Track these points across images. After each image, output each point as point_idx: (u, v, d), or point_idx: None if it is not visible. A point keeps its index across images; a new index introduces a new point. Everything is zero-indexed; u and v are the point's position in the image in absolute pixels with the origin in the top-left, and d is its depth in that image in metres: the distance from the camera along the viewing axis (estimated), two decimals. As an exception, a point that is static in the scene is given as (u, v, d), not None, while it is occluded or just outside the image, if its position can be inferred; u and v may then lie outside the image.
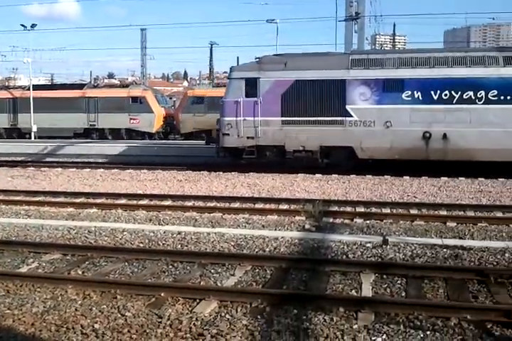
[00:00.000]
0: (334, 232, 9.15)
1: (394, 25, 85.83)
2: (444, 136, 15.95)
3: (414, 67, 16.19)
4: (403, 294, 6.18)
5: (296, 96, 16.82)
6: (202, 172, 17.31)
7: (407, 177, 15.61)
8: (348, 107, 16.52)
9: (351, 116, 16.52)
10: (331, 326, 5.17)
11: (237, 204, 11.76)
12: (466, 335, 4.96)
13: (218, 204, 11.75)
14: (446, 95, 15.90)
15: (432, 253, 7.67)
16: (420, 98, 16.07)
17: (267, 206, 11.56)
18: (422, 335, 4.95)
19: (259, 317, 5.41)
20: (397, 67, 16.32)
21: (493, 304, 5.82)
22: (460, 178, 15.39)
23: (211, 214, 10.68)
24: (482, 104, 15.72)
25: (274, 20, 25.56)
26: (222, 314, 5.51)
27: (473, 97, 15.77)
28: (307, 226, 9.57)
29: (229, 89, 17.71)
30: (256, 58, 19.02)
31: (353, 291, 6.24)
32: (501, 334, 5.05)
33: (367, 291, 6.22)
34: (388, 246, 7.92)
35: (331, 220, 10.19)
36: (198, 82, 69.12)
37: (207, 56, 58.54)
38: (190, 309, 5.65)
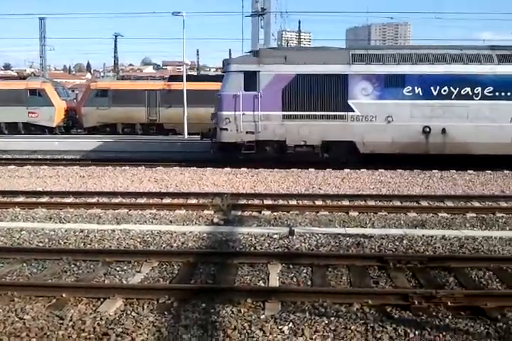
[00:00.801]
0: (242, 225, 9.20)
1: (299, 22, 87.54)
2: (443, 130, 16.39)
3: (415, 63, 16.50)
4: (309, 283, 6.34)
5: (297, 91, 16.57)
6: (106, 167, 16.74)
7: (313, 170, 16.04)
8: (349, 102, 16.56)
9: (353, 110, 16.56)
10: (239, 317, 5.18)
11: (143, 200, 11.50)
12: (367, 319, 5.16)
13: (124, 200, 11.41)
14: (445, 91, 16.34)
15: (336, 242, 7.93)
16: (420, 93, 16.41)
17: (175, 201, 11.40)
18: (326, 322, 5.09)
19: (166, 313, 5.32)
20: (398, 63, 16.55)
21: (393, 288, 6.11)
22: (362, 170, 16.04)
23: (116, 211, 10.36)
24: (479, 99, 16.29)
25: (180, 13, 25.08)
26: (128, 312, 5.36)
27: (470, 93, 16.29)
28: (215, 220, 9.55)
29: (226, 82, 17.06)
30: (249, 51, 18.64)
31: (261, 282, 6.31)
32: (400, 317, 5.31)
33: (274, 281, 6.31)
34: (294, 237, 8.10)
35: (240, 213, 10.24)
36: (102, 74, 66.85)
37: (111, 47, 56.65)
38: (93, 309, 5.44)
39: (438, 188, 13.34)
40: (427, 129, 16.40)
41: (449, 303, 5.50)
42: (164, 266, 6.85)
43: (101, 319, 5.17)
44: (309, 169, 16.14)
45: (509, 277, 6.49)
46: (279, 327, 4.97)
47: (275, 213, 10.23)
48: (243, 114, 16.58)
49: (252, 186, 13.49)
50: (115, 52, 56.05)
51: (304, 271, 6.69)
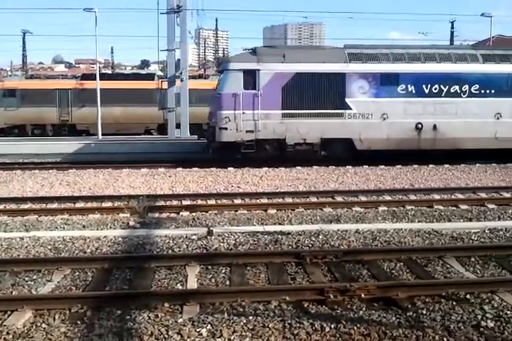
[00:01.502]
0: (160, 227, 9.03)
1: (216, 20, 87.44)
2: (434, 126, 17.10)
3: (408, 62, 17.03)
4: (227, 283, 6.31)
5: (297, 89, 16.63)
6: (14, 171, 15.88)
7: (232, 169, 16.06)
8: (347, 100, 16.84)
9: (350, 108, 16.88)
10: (156, 323, 5.06)
11: (54, 205, 11.00)
12: (285, 316, 5.21)
13: (33, 206, 10.85)
14: (435, 89, 17.02)
15: (254, 240, 7.96)
16: (413, 91, 17.02)
17: (88, 205, 11.01)
18: (244, 321, 5.08)
19: (79, 322, 5.10)
20: (392, 62, 17.01)
21: (309, 284, 6.21)
22: (280, 168, 16.26)
23: (25, 217, 9.84)
24: (466, 97, 17.13)
25: (92, 9, 24.25)
26: (38, 324, 5.08)
27: (458, 91, 17.10)
28: (131, 223, 9.30)
29: (225, 81, 16.77)
30: (245, 49, 18.36)
31: (179, 285, 6.21)
32: (316, 312, 5.41)
33: (192, 283, 6.23)
34: (213, 237, 8.04)
35: (157, 215, 10.05)
36: (9, 73, 63.39)
37: (19, 45, 53.92)
38: (0, 322, 5.11)
39: (352, 183, 13.77)
40: (420, 126, 17.12)
41: (362, 295, 5.67)
42: (77, 273, 6.57)
43: (7, 333, 4.87)
44: (228, 168, 16.14)
45: (418, 267, 6.80)
46: (197, 330, 4.90)
47: (194, 213, 10.13)
48: (243, 113, 16.46)
49: (170, 187, 13.29)
50: (23, 49, 53.47)
51: (223, 271, 6.66)
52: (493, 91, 17.29)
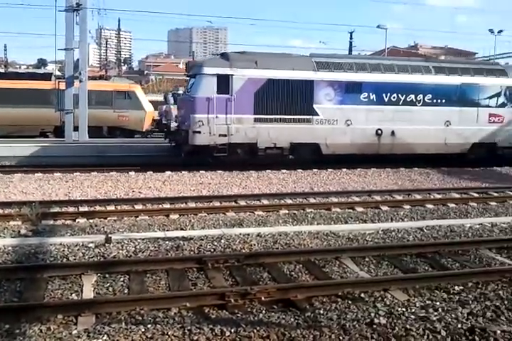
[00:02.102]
0: (54, 235, 8.57)
1: (119, 21, 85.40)
2: (392, 132, 18.28)
3: (370, 72, 18.09)
4: (126, 291, 6.12)
5: (268, 95, 17.06)
6: None
7: (133, 173, 15.67)
8: (315, 106, 17.52)
9: (318, 114, 17.56)
10: (48, 336, 4.79)
11: None
12: (185, 323, 5.13)
13: None
14: (394, 97, 18.27)
15: (155, 246, 7.80)
16: (374, 99, 18.08)
17: (-24, 212, 10.24)
18: (143, 330, 4.95)
19: (-40, 340, 4.70)
20: (356, 71, 17.96)
21: (210, 289, 6.18)
22: (183, 172, 16.12)
23: None
24: (420, 105, 18.55)
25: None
26: None
27: (413, 100, 18.48)
28: (23, 232, 8.76)
29: (199, 85, 16.82)
30: (216, 54, 18.67)
31: (74, 295, 5.93)
32: (217, 316, 5.39)
33: (88, 293, 5.98)
34: (111, 244, 7.77)
35: (51, 222, 9.54)
36: None
37: None
38: None
39: (255, 187, 13.93)
40: (380, 131, 18.23)
41: (262, 298, 5.73)
42: (-41, 287, 6.08)
43: None
44: (129, 173, 15.73)
45: (317, 268, 7.00)
46: (93, 341, 4.70)
47: (91, 220, 9.74)
48: (216, 117, 16.61)
49: (67, 192, 12.69)
50: None
51: (121, 279, 6.46)
52: (443, 100, 18.81)
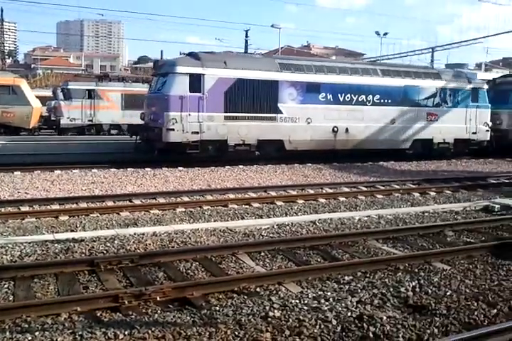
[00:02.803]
0: None
1: (1, 10, 79.85)
2: (346, 130, 19.78)
3: (327, 74, 19.50)
4: (11, 298, 5.75)
5: (237, 94, 17.87)
6: None
7: (19, 173, 14.77)
8: (279, 105, 18.60)
9: (282, 113, 18.65)
10: None
11: None
12: (76, 328, 4.91)
13: None
14: (348, 97, 19.82)
15: (43, 250, 7.38)
16: (331, 99, 19.53)
17: None
18: (30, 338, 4.67)
19: None
20: (315, 73, 19.25)
21: (103, 291, 5.97)
22: (74, 171, 15.44)
23: None
24: (370, 105, 20.21)
25: None
26: None
27: (364, 100, 20.10)
28: None
29: (172, 83, 17.23)
30: (183, 54, 18.87)
31: (-50, 306, 5.45)
32: (110, 319, 5.21)
33: (-33, 303, 5.53)
34: (-6, 249, 7.26)
35: None
36: None
37: None
38: None
39: (151, 186, 13.67)
40: (335, 129, 19.64)
41: (158, 298, 5.63)
42: None
43: None
44: (15, 172, 14.80)
45: (213, 265, 7.00)
46: (-29, 355, 4.36)
47: (-29, 224, 9.05)
48: (189, 115, 17.09)
49: None
50: None
51: (6, 285, 6.05)
52: (389, 100, 20.67)
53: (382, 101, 20.57)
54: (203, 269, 6.86)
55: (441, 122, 21.83)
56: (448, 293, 5.94)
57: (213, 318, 5.21)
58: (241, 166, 17.48)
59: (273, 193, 13.01)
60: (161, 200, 11.67)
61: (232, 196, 12.45)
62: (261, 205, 11.42)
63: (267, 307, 5.45)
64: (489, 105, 22.98)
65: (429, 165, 20.07)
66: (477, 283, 6.36)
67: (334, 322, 5.11)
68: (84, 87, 29.96)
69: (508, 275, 6.74)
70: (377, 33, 43.07)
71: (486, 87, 23.26)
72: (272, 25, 35.80)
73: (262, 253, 7.54)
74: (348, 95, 19.91)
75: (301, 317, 5.18)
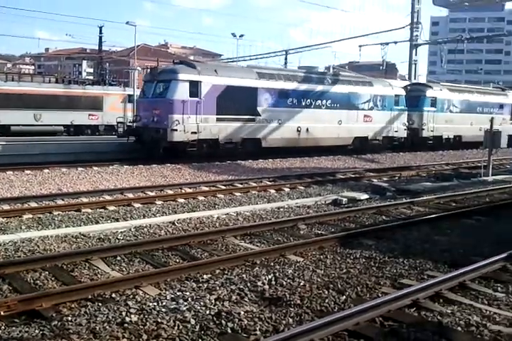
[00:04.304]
0: None
1: None
2: (307, 129, 23.33)
3: (293, 82, 23.06)
4: None
5: (226, 99, 20.44)
6: None
7: None
8: (258, 108, 21.79)
9: (260, 115, 21.79)
10: None
11: None
12: None
13: None
14: (308, 102, 23.53)
15: None
16: (296, 103, 23.07)
17: None
18: None
19: None
20: (284, 81, 22.76)
21: None
22: None
23: None
24: (324, 108, 24.26)
25: None
26: None
27: (320, 104, 24.04)
28: None
29: (175, 89, 19.46)
30: (176, 62, 21.50)
31: None
32: None
33: None
34: None
35: None
36: None
37: None
38: None
39: (-7, 192, 12.55)
40: (299, 129, 23.05)
41: (1, 313, 5.17)
42: None
43: None
44: None
45: (65, 274, 6.60)
46: None
47: None
48: (189, 117, 19.42)
49: None
50: None
51: None
52: (338, 104, 24.64)
53: (332, 105, 24.59)
54: (53, 278, 6.44)
55: (374, 123, 26.34)
56: (301, 284, 6.21)
57: (65, 329, 4.90)
58: (96, 168, 16.75)
59: (130, 195, 12.66)
60: (5, 207, 10.74)
61: (85, 200, 11.86)
62: (117, 208, 11.02)
63: (124, 313, 5.26)
64: (406, 108, 27.97)
65: (283, 162, 20.94)
66: (327, 272, 6.74)
67: (193, 321, 5.08)
68: None
69: (354, 263, 7.24)
70: (234, 35, 43.93)
71: (404, 93, 28.09)
72: (127, 22, 34.69)
73: (118, 258, 7.27)
74: (308, 100, 23.58)
75: (159, 320, 5.07)
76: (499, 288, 6.32)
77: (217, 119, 20.41)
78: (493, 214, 10.99)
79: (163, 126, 19.28)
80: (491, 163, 17.67)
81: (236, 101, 20.82)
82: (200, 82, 19.86)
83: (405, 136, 27.99)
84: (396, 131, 27.41)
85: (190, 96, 19.56)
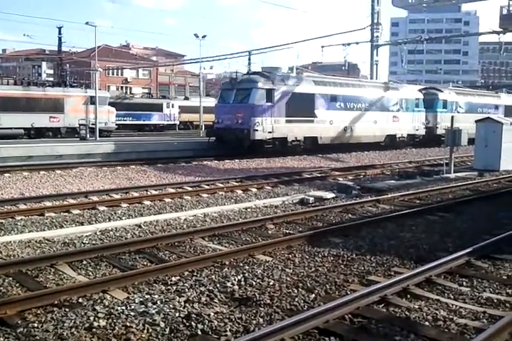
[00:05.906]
0: None
1: None
2: (351, 128, 27.49)
3: (340, 87, 27.57)
4: None
5: (292, 103, 24.32)
6: None
7: None
8: (315, 111, 25.69)
9: (317, 117, 25.78)
10: None
11: None
12: None
13: None
14: (353, 105, 27.66)
15: None
16: (343, 106, 27.13)
17: None
18: None
19: None
20: (334, 87, 27.30)
21: None
22: None
23: None
24: (364, 110, 28.28)
25: None
26: None
27: (361, 107, 28.17)
28: None
29: (255, 96, 23.32)
30: (251, 73, 26.21)
31: None
32: None
33: None
34: None
35: None
36: None
37: None
38: None
39: (-49, 198, 12.14)
40: (345, 128, 27.29)
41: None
42: None
43: None
44: None
45: (29, 279, 6.44)
46: None
47: None
48: (266, 119, 23.39)
49: None
50: None
51: None
52: (374, 107, 28.81)
53: (370, 107, 28.61)
54: (17, 285, 6.27)
55: (400, 122, 30.68)
56: (271, 283, 6.23)
57: (31, 336, 4.80)
58: (59, 171, 16.40)
59: (95, 198, 12.44)
60: (-35, 213, 10.41)
61: (49, 204, 11.60)
62: (82, 212, 10.81)
63: (92, 318, 5.17)
64: (424, 110, 32.54)
65: (250, 163, 20.95)
66: (296, 271, 6.77)
67: (162, 324, 5.03)
68: None
69: (323, 262, 7.29)
70: (196, 35, 43.56)
71: (422, 96, 32.65)
72: (87, 23, 33.98)
73: (84, 262, 7.14)
74: (352, 103, 27.56)
75: (128, 324, 5.00)
76: (464, 283, 6.47)
77: (286, 121, 24.36)
78: (456, 210, 11.24)
79: (246, 126, 23.05)
80: (453, 161, 18.09)
81: (299, 105, 24.58)
82: (274, 89, 23.91)
83: (424, 133, 32.70)
84: (417, 130, 32.09)
85: (267, 101, 23.61)
